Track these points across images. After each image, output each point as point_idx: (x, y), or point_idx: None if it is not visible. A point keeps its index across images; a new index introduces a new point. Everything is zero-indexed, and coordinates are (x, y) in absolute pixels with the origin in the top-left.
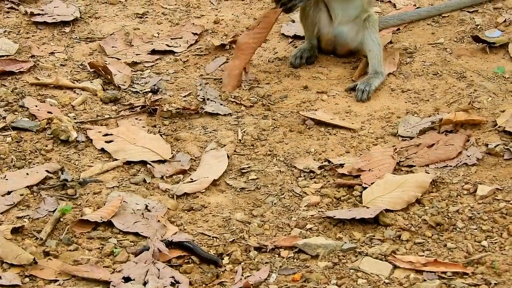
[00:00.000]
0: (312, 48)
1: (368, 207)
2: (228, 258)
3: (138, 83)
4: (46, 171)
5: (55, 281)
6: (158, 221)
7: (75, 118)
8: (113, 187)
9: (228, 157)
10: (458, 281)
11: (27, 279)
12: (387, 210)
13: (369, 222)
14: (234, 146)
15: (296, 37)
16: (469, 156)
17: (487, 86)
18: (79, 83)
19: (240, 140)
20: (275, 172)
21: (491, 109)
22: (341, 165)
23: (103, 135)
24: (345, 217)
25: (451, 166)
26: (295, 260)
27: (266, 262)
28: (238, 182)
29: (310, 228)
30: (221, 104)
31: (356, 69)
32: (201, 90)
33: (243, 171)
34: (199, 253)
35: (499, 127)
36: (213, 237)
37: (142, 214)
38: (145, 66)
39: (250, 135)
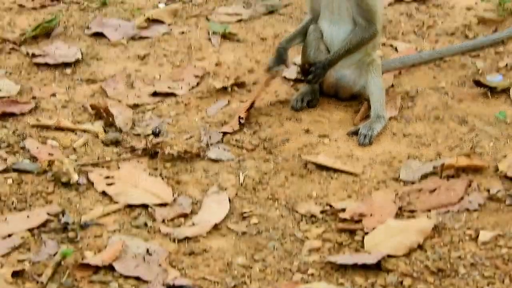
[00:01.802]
0: (314, 92)
1: (370, 253)
2: None
3: (139, 125)
4: (47, 213)
5: None
6: (159, 265)
7: (76, 160)
8: (114, 230)
9: (229, 200)
10: None
11: None
12: (389, 256)
13: (371, 268)
14: (236, 190)
15: (298, 80)
16: (470, 202)
17: (488, 131)
18: (81, 125)
19: (241, 183)
20: (276, 216)
21: (493, 154)
22: (343, 210)
23: (104, 178)
24: (347, 262)
25: (453, 211)
26: None
27: None
28: (240, 226)
29: (312, 273)
30: (224, 149)
31: (358, 112)
32: (204, 134)
33: (244, 215)
34: None
35: (501, 172)
36: (214, 281)
37: (143, 258)
38: (147, 108)
39: (251, 179)
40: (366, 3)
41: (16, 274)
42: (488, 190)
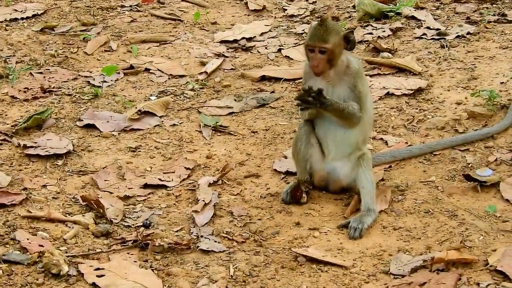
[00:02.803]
0: (295, 188)
1: None
2: None
3: (130, 217)
4: None
5: None
6: None
7: (66, 252)
8: None
9: None
10: None
11: None
12: None
13: None
14: (226, 282)
15: (288, 173)
16: None
17: (478, 225)
18: (71, 216)
19: (232, 276)
20: None
21: (482, 248)
22: None
23: (94, 269)
24: None
25: None
26: None
27: None
28: None
29: None
30: (215, 241)
31: (348, 206)
32: (193, 227)
33: None
34: None
35: (491, 266)
36: None
37: None
38: (137, 200)
39: (242, 271)
40: (359, 90)
41: None
42: (478, 284)
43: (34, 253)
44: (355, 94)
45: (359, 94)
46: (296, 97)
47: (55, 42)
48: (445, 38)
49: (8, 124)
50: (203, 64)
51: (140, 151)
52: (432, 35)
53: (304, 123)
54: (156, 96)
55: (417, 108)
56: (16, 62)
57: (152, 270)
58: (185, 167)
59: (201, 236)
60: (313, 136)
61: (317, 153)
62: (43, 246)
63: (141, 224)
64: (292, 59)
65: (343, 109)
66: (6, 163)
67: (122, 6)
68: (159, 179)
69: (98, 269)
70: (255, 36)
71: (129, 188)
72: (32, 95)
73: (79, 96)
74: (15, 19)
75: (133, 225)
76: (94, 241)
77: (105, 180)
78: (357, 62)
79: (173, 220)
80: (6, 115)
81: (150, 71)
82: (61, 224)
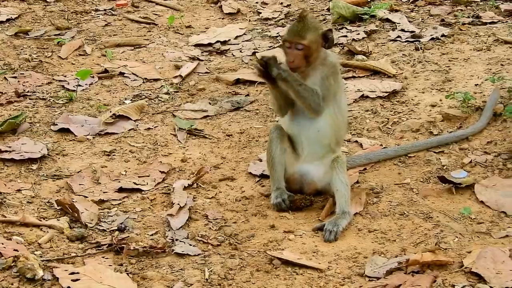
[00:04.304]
0: (285, 192)
1: None
2: None
3: (105, 221)
4: None
5: None
6: None
7: (41, 256)
8: None
9: None
10: None
11: None
12: None
13: None
14: (201, 286)
15: (263, 176)
16: None
17: (453, 226)
18: (46, 220)
19: (207, 279)
20: None
21: (457, 250)
22: None
23: (69, 274)
24: None
25: None
26: None
27: None
28: None
29: None
30: (190, 245)
31: (323, 208)
32: (168, 230)
33: None
34: None
35: (466, 268)
36: None
37: None
38: (112, 204)
39: (217, 275)
40: (330, 83)
41: None
42: (453, 286)
43: (9, 257)
44: (325, 85)
45: (329, 86)
46: (256, 65)
47: (29, 47)
48: (419, 41)
49: None
50: (177, 67)
51: (114, 155)
52: (407, 38)
53: (275, 127)
54: (131, 100)
55: (391, 111)
56: None
57: (127, 274)
58: (160, 171)
59: (176, 240)
60: (285, 138)
61: (290, 155)
62: (18, 251)
63: (116, 228)
64: None
65: (300, 83)
66: None
67: (97, 10)
68: (134, 183)
69: (73, 273)
70: (229, 40)
71: (104, 192)
72: (7, 99)
73: (53, 101)
74: None
75: (108, 229)
76: (69, 245)
77: (79, 184)
78: (335, 57)
79: (148, 224)
80: None
81: (125, 75)
82: (36, 228)
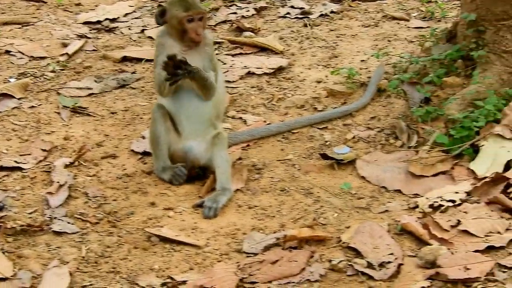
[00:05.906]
0: (173, 166)
1: None
2: None
3: None
4: None
5: None
6: None
7: None
8: None
9: (70, 274)
10: None
11: None
12: None
13: None
14: (77, 263)
15: (146, 153)
16: (312, 272)
17: (333, 202)
18: None
19: (83, 257)
20: None
21: (336, 225)
22: (184, 282)
23: None
24: None
25: (293, 282)
26: None
27: None
28: None
29: None
30: (68, 223)
31: (204, 185)
32: (47, 209)
33: None
34: None
35: (344, 243)
36: None
37: None
38: None
39: (94, 252)
40: (215, 61)
41: None
42: (330, 261)
43: None
44: (213, 64)
45: (215, 65)
46: (163, 67)
47: None
48: (308, 17)
49: None
50: (65, 45)
51: None
52: (296, 14)
53: (157, 106)
54: (16, 78)
55: (277, 87)
56: None
57: (3, 252)
58: (41, 149)
59: (55, 218)
60: (167, 117)
61: (173, 133)
62: None
63: None
64: (155, 39)
65: (206, 78)
66: None
67: None
68: (15, 161)
69: None
70: (118, 17)
71: None
72: None
73: None
74: None
75: None
76: None
77: None
78: (210, 34)
79: (27, 202)
80: None
81: (11, 53)
82: None
